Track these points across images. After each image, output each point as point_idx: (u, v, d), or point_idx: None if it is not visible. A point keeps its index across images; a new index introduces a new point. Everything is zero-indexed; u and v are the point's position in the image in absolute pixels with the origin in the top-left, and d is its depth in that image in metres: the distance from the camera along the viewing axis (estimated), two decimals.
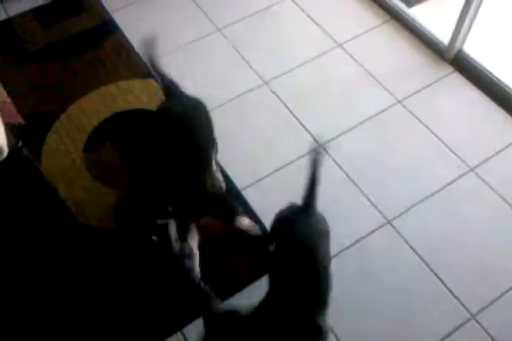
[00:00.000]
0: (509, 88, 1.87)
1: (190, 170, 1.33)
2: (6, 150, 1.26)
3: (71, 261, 1.60)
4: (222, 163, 1.76)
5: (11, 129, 1.34)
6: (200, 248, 1.41)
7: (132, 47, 2.12)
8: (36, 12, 2.29)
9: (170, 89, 1.51)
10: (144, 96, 1.96)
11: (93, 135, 1.88)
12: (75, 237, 1.63)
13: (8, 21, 2.27)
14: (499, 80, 1.89)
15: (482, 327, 1.41)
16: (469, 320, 1.43)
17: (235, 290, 1.52)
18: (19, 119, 1.40)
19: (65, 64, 2.09)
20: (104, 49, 2.13)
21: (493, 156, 1.74)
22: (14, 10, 2.30)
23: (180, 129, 1.36)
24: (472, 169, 1.71)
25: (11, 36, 2.20)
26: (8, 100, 1.45)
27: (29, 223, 1.54)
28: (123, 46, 2.13)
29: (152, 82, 2.01)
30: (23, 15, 2.28)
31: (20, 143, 1.33)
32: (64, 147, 1.85)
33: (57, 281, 1.56)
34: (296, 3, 2.25)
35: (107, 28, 2.20)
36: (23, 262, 1.58)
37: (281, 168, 1.76)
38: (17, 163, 1.35)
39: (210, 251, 1.57)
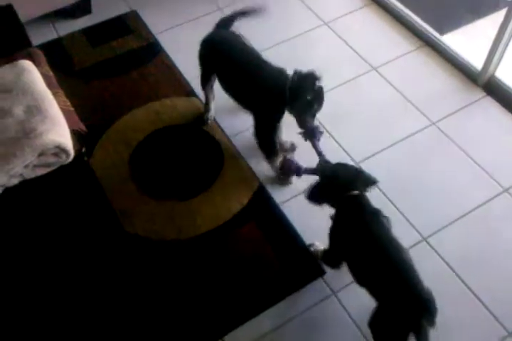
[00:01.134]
0: None
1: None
2: (72, 154, 1.44)
3: (115, 266, 1.72)
4: (261, 178, 1.91)
5: (75, 135, 1.52)
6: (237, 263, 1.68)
7: (176, 67, 2.32)
8: (85, 32, 2.53)
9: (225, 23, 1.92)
10: (187, 113, 2.13)
11: (138, 148, 2.06)
12: (120, 244, 1.77)
13: (59, 40, 2.51)
14: None
15: None
16: (506, 338, 1.50)
17: (271, 301, 1.63)
18: (81, 126, 1.57)
19: (111, 82, 2.29)
20: (149, 68, 2.34)
21: None
22: (64, 30, 2.55)
23: (225, 46, 1.82)
24: (506, 190, 1.82)
25: (61, 55, 2.42)
26: (72, 109, 1.64)
27: (80, 226, 1.68)
28: (167, 66, 2.34)
29: (195, 100, 2.19)
30: (73, 35, 2.53)
31: (83, 149, 1.51)
32: (110, 160, 2.01)
33: (102, 285, 1.68)
34: (332, 29, 2.44)
35: (152, 49, 2.42)
36: (69, 264, 1.72)
37: None
38: (78, 167, 1.52)
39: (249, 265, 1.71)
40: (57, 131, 1.43)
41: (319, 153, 1.63)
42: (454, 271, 1.63)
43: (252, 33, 2.45)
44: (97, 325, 1.60)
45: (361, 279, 1.35)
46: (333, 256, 1.54)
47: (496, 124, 2.02)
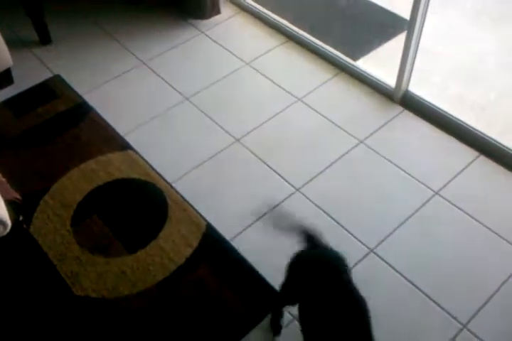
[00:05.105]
0: (454, 117, 2.34)
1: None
2: (9, 224, 1.57)
3: (69, 334, 1.80)
4: (208, 218, 2.09)
5: (10, 205, 1.65)
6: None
7: (107, 124, 2.53)
8: (9, 103, 2.70)
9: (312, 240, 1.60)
10: (124, 166, 2.32)
11: (78, 209, 2.19)
12: (72, 310, 1.85)
13: None
14: (443, 111, 2.37)
15: (476, 335, 1.69)
16: (461, 330, 1.70)
17: (235, 337, 1.76)
18: (16, 195, 1.72)
19: (43, 148, 2.45)
20: (80, 129, 2.53)
21: (454, 178, 2.15)
22: None
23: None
24: (437, 192, 2.10)
25: None
26: (3, 179, 1.79)
27: (27, 297, 1.76)
28: (99, 124, 2.54)
29: (130, 152, 2.39)
30: None
31: (20, 217, 1.64)
32: (52, 225, 2.13)
33: None
34: (254, 68, 2.77)
35: (81, 110, 2.63)
36: (20, 337, 1.77)
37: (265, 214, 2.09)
38: (18, 236, 1.64)
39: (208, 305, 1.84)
40: None
41: None
42: (403, 276, 1.84)
43: (172, 82, 2.75)
44: None
45: None
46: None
47: (416, 134, 2.35)
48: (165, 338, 1.78)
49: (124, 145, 2.43)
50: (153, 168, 2.32)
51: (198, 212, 2.13)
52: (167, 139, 2.45)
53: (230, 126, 2.48)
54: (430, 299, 1.79)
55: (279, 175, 2.24)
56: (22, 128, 2.56)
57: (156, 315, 1.83)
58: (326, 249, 1.50)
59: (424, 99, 2.44)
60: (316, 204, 2.10)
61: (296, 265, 1.52)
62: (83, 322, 1.83)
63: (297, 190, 2.16)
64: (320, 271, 1.43)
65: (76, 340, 1.78)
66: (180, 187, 2.23)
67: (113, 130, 2.51)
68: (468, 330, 1.70)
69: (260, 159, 2.31)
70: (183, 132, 2.48)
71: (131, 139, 2.46)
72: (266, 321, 1.78)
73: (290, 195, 2.15)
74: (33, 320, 1.81)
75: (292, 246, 1.89)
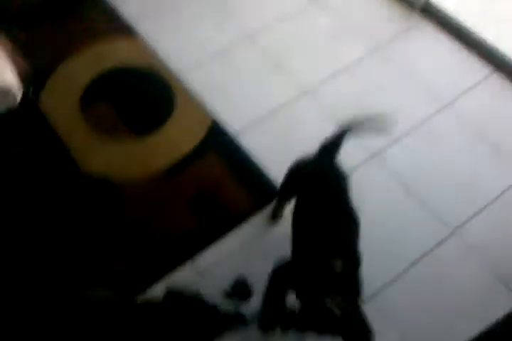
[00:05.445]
0: (474, 30, 2.25)
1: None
2: (19, 93, 1.53)
3: (74, 211, 1.87)
4: (215, 113, 2.08)
5: (21, 78, 1.60)
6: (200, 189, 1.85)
7: (115, 8, 2.39)
8: None
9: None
10: (132, 53, 2.25)
11: (87, 91, 2.15)
12: (77, 186, 1.90)
13: None
14: (464, 23, 2.27)
15: (466, 242, 1.80)
16: (451, 235, 1.81)
17: (235, 222, 1.85)
18: (25, 66, 1.65)
19: (51, 26, 2.34)
20: (88, 11, 2.40)
21: (466, 92, 2.13)
22: None
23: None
24: (446, 105, 2.10)
25: None
26: (11, 50, 1.70)
27: (36, 173, 1.79)
28: (106, 7, 2.40)
29: (138, 40, 2.30)
30: None
31: (31, 89, 1.60)
32: (59, 102, 2.10)
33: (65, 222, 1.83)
34: None
35: None
36: (26, 210, 1.84)
37: (274, 110, 2.09)
38: (27, 110, 1.62)
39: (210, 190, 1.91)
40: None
41: None
42: (402, 183, 1.91)
43: None
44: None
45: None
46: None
47: (434, 44, 2.29)
48: (169, 219, 1.86)
49: (129, 29, 2.33)
50: (161, 58, 2.24)
51: (204, 107, 2.11)
52: (176, 29, 2.34)
53: (242, 22, 2.36)
54: (424, 204, 1.88)
55: (291, 75, 2.19)
56: (28, 4, 2.41)
57: (161, 199, 1.90)
58: (336, 165, 1.52)
59: (445, 10, 2.32)
60: (323, 109, 2.10)
61: (302, 172, 1.54)
62: (88, 200, 1.89)
63: (308, 92, 2.14)
64: (328, 184, 1.46)
65: (80, 218, 1.86)
66: (188, 79, 2.18)
67: (121, 15, 2.38)
68: (458, 236, 1.81)
69: (272, 59, 2.24)
70: (194, 24, 2.36)
71: (140, 27, 2.34)
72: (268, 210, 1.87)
73: (300, 97, 2.13)
74: (40, 194, 1.87)
75: (292, 147, 1.93)
